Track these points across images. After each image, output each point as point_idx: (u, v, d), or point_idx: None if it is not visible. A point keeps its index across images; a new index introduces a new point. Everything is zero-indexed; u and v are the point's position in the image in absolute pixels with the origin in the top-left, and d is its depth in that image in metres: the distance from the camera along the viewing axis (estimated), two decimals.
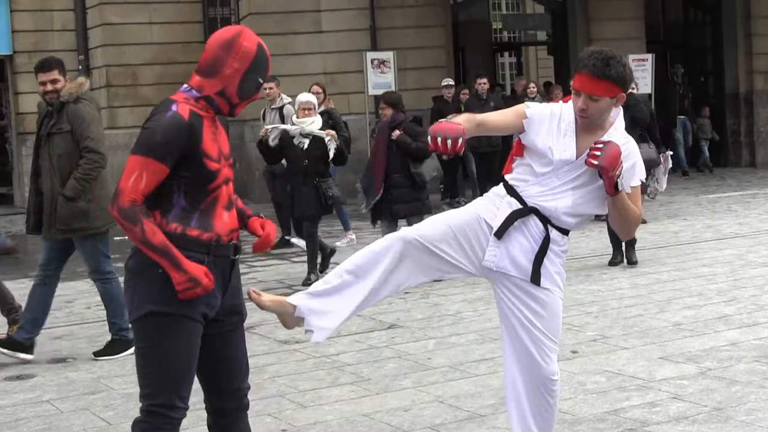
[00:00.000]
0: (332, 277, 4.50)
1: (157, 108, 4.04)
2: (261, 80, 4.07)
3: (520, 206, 4.44)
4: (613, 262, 11.06)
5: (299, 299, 4.45)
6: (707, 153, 23.06)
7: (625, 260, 11.09)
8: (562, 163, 4.40)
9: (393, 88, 18.81)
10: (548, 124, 4.44)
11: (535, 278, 4.46)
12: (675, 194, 18.39)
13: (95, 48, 20.94)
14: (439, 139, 4.17)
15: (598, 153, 4.28)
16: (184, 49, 20.70)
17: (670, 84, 22.73)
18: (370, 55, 19.12)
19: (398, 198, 10.57)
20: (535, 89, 17.64)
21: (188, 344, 4.01)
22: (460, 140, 4.17)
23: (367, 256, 4.48)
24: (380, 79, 18.72)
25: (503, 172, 4.64)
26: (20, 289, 11.50)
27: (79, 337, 8.82)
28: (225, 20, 21.43)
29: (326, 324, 4.45)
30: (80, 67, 21.02)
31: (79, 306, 10.40)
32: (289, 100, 13.92)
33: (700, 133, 23.01)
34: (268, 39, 19.51)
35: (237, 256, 4.14)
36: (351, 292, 4.46)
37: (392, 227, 10.47)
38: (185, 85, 4.12)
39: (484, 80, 18.04)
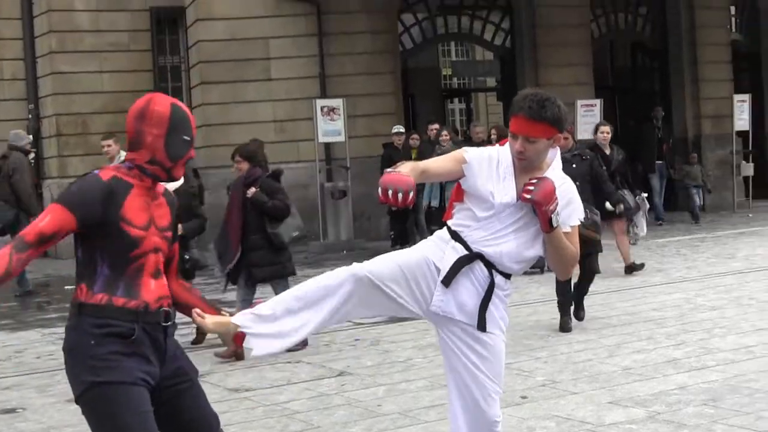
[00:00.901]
0: (279, 303, 4.49)
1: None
2: (187, 137, 4.12)
3: (466, 252, 4.46)
4: (564, 328, 10.03)
5: (243, 320, 4.42)
6: (697, 200, 21.60)
7: (572, 320, 10.30)
8: (503, 207, 4.43)
9: (343, 135, 18.97)
10: (487, 167, 4.48)
11: (481, 325, 4.47)
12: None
13: (45, 97, 20.89)
14: (390, 192, 4.16)
15: (531, 188, 4.32)
16: (134, 97, 19.96)
17: (649, 128, 22.42)
18: (320, 103, 19.20)
19: (256, 261, 9.72)
20: (448, 137, 17.14)
21: (139, 409, 3.93)
22: (411, 194, 4.18)
23: (316, 287, 4.49)
24: (330, 127, 18.83)
25: (444, 218, 4.67)
26: None
27: (29, 387, 8.71)
28: (175, 68, 21.48)
29: (268, 345, 4.44)
30: (30, 116, 20.99)
31: (29, 356, 10.30)
32: None
33: (687, 179, 21.74)
34: (218, 87, 19.75)
35: (169, 323, 4.11)
36: (296, 321, 4.45)
37: (250, 293, 9.78)
38: (123, 161, 4.17)
39: (436, 126, 18.19)
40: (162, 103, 4.12)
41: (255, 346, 4.44)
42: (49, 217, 3.89)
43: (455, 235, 4.52)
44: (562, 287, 10.23)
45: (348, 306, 4.48)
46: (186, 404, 4.16)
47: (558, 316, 10.29)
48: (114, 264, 3.99)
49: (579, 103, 20.99)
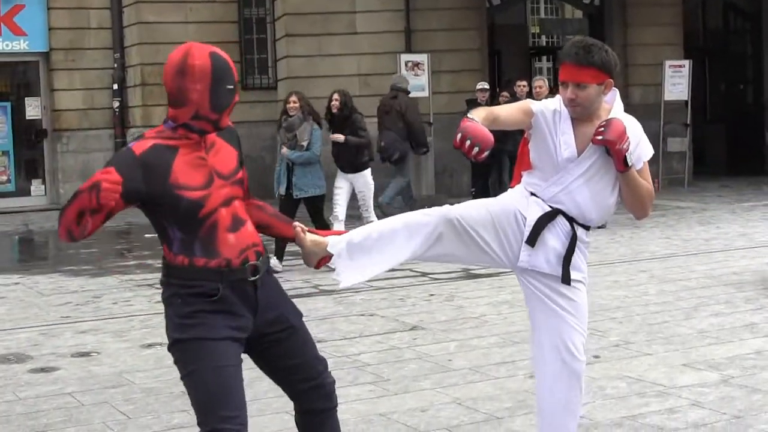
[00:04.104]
0: (371, 232, 4.49)
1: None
2: (230, 86, 3.98)
3: (547, 208, 4.47)
4: None
5: (338, 247, 4.42)
6: None
7: None
8: (567, 162, 4.44)
9: (427, 91, 18.93)
10: (552, 121, 4.47)
11: (566, 278, 4.48)
12: (710, 202, 18.31)
13: (131, 46, 21.11)
14: (467, 143, 4.11)
15: (602, 129, 4.33)
16: (218, 48, 20.79)
17: None
18: (405, 57, 19.21)
19: None
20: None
21: (216, 364, 3.95)
22: (486, 153, 4.15)
23: (407, 223, 4.48)
24: (414, 81, 18.69)
25: (512, 185, 4.67)
26: (51, 283, 11.68)
27: (105, 332, 8.88)
28: (260, 20, 21.56)
29: (354, 275, 4.47)
30: (115, 65, 21.25)
31: (106, 301, 10.50)
32: None
33: None
34: (302, 40, 19.80)
35: (257, 276, 4.05)
36: (384, 253, 4.46)
37: None
38: (166, 119, 4.06)
39: (524, 83, 17.94)
40: (200, 55, 3.94)
41: (343, 277, 4.46)
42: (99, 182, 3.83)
43: (532, 194, 4.53)
44: None
45: (436, 247, 4.48)
46: (288, 351, 4.17)
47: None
48: (184, 227, 3.96)
49: (667, 63, 20.68)
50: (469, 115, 4.23)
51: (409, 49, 19.93)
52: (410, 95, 17.16)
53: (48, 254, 15.91)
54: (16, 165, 21.46)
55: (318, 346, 7.80)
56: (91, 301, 10.52)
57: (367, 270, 4.48)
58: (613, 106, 4.53)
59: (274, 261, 11.86)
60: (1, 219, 19.35)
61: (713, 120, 25.54)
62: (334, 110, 12.83)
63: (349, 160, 12.70)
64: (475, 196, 17.51)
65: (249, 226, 4.10)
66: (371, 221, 12.09)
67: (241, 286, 4.02)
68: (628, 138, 4.34)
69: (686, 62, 20.99)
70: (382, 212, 14.11)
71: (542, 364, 4.57)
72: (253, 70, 21.58)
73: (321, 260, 4.45)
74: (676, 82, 20.79)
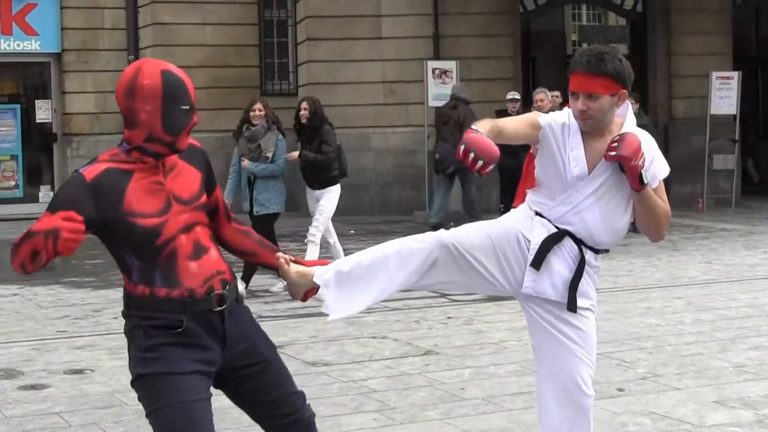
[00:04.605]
0: (360, 261, 4.39)
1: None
2: (185, 106, 3.88)
3: (553, 229, 4.36)
4: None
5: (324, 278, 4.32)
6: None
7: None
8: (576, 179, 4.34)
9: None
10: (560, 135, 4.38)
11: (572, 306, 4.36)
12: (757, 224, 18.08)
13: (146, 48, 21.12)
14: (471, 155, 4.03)
15: (615, 144, 4.24)
16: (237, 51, 20.85)
17: None
18: (432, 64, 19.13)
19: None
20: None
21: (182, 400, 3.87)
22: (491, 167, 4.07)
23: (400, 250, 4.39)
24: (442, 90, 18.60)
25: (515, 204, 4.56)
26: (51, 295, 11.64)
27: (101, 348, 8.84)
28: (281, 23, 21.53)
29: (344, 307, 4.37)
30: None
31: (106, 315, 10.44)
32: None
33: None
34: (324, 44, 19.74)
35: (223, 306, 3.97)
36: (375, 283, 4.37)
37: None
38: (121, 141, 3.99)
39: (557, 93, 17.72)
40: (151, 74, 3.85)
41: (331, 310, 4.36)
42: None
43: (537, 213, 4.41)
44: None
45: (431, 274, 4.39)
46: (262, 386, 4.09)
47: None
48: (141, 256, 3.89)
49: (714, 75, 20.42)
50: (473, 127, 4.14)
51: (437, 56, 19.85)
52: (442, 105, 17.24)
53: (51, 264, 15.78)
54: (24, 170, 21.51)
55: (324, 369, 7.81)
56: (90, 315, 10.49)
57: (357, 301, 4.38)
58: (625, 120, 4.43)
59: (280, 284, 11.63)
60: (8, 226, 19.27)
61: (767, 135, 25.30)
62: (303, 120, 12.10)
63: (318, 175, 12.08)
64: (504, 213, 17.35)
65: (213, 254, 4.01)
66: (315, 243, 11.81)
67: (207, 317, 3.94)
68: (643, 154, 4.24)
69: (735, 74, 20.70)
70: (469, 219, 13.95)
71: (546, 398, 4.44)
72: (273, 75, 21.54)
73: (308, 292, 4.36)
74: (724, 95, 20.55)
